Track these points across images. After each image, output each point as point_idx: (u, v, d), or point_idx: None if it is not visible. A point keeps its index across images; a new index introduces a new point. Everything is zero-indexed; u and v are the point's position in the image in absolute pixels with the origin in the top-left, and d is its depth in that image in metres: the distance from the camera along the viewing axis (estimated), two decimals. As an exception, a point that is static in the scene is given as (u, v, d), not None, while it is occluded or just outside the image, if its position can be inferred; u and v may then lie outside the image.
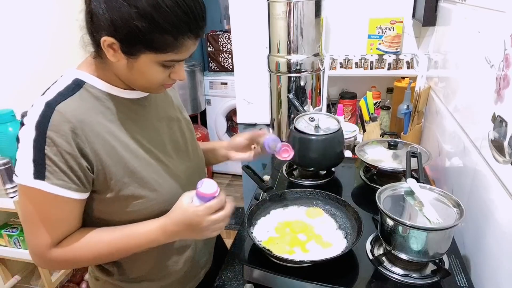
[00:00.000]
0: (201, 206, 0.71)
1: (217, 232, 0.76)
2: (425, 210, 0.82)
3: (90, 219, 0.75)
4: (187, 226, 0.72)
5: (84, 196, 0.70)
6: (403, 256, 0.79)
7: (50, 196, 0.65)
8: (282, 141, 0.97)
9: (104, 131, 0.70)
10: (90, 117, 0.69)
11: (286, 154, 0.97)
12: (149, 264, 0.84)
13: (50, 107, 0.65)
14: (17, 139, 0.66)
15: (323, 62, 1.60)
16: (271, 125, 1.73)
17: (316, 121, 1.19)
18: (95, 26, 0.65)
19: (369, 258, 0.86)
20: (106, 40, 0.64)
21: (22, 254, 1.52)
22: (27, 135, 0.64)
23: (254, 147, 1.02)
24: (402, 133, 1.58)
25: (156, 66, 0.68)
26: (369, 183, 1.18)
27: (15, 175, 0.66)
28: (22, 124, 0.66)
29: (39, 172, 0.64)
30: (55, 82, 0.71)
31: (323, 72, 1.63)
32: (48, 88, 0.70)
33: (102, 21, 0.63)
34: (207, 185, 0.72)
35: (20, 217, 0.68)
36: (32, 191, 0.65)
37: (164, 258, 0.85)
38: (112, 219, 0.75)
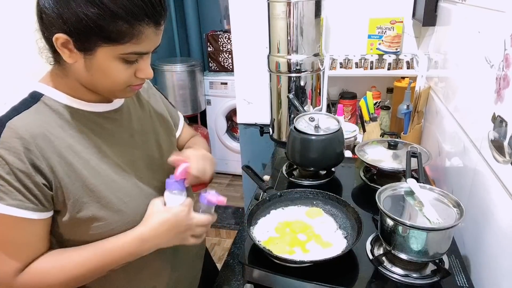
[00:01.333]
0: (183, 204, 0.70)
1: (198, 239, 0.74)
2: (425, 210, 0.82)
3: (56, 242, 0.70)
4: (168, 229, 0.68)
5: (45, 215, 0.65)
6: (403, 256, 0.79)
7: (6, 218, 0.60)
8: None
9: (62, 146, 0.65)
10: (47, 132, 0.64)
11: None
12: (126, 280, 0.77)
13: (1, 123, 0.60)
14: None
15: (323, 62, 1.60)
16: (271, 125, 1.73)
17: (316, 121, 1.19)
18: (46, 24, 0.60)
19: (369, 258, 0.86)
20: (58, 38, 0.59)
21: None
22: None
23: None
24: (402, 133, 1.58)
25: (117, 62, 0.62)
26: (369, 183, 1.18)
27: None
28: None
29: None
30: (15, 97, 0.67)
31: (323, 72, 1.63)
32: (5, 104, 0.65)
33: (51, 17, 0.59)
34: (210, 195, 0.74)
35: None
36: None
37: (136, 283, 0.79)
38: (78, 241, 0.69)
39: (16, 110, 0.63)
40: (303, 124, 1.20)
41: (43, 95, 0.66)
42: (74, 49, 0.60)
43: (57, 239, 0.70)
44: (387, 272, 0.81)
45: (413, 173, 0.99)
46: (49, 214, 0.66)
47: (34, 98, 0.66)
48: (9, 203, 0.60)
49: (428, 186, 0.88)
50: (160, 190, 0.77)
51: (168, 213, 0.69)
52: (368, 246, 0.89)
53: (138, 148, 0.77)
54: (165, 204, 0.72)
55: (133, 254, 0.69)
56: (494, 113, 0.82)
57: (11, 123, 0.61)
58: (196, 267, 0.95)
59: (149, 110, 0.84)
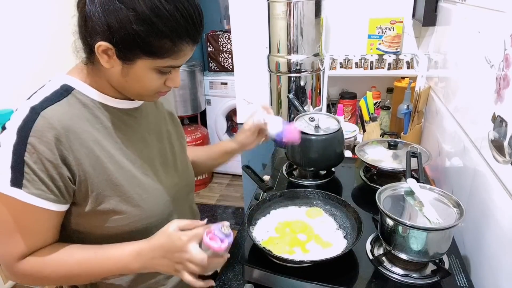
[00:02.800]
0: (188, 232, 0.67)
1: (194, 279, 0.69)
2: (425, 210, 0.82)
3: (66, 233, 0.72)
4: (164, 251, 0.67)
5: (63, 208, 0.67)
6: (403, 256, 0.79)
7: (25, 206, 0.62)
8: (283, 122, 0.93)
9: (89, 139, 0.67)
10: (77, 124, 0.66)
11: (292, 137, 0.93)
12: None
13: (34, 112, 0.62)
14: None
15: (323, 62, 1.60)
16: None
17: (316, 121, 1.19)
18: (90, 31, 0.63)
19: (369, 258, 0.86)
20: (101, 45, 0.62)
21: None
22: (8, 140, 0.61)
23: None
24: (402, 133, 1.58)
25: (152, 73, 0.66)
26: (369, 183, 1.18)
27: None
28: (3, 128, 0.63)
29: (16, 180, 0.61)
30: (42, 86, 0.69)
31: (323, 72, 1.63)
32: (35, 93, 0.67)
33: (97, 25, 0.61)
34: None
35: None
36: (7, 199, 0.62)
37: (146, 279, 0.80)
38: (90, 233, 0.71)
39: (50, 101, 0.65)
40: (303, 124, 1.20)
41: (74, 88, 0.68)
42: (114, 56, 0.63)
43: (74, 228, 0.71)
44: (387, 272, 0.81)
45: (413, 173, 0.99)
46: (66, 207, 0.68)
47: (66, 90, 0.68)
48: (31, 192, 0.62)
49: (428, 186, 0.88)
50: (173, 189, 0.80)
51: (168, 238, 0.68)
52: (368, 246, 0.89)
53: (154, 147, 0.80)
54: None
55: (126, 268, 0.69)
56: (494, 113, 0.82)
57: (45, 112, 0.63)
58: None
59: (162, 111, 0.87)
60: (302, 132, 1.16)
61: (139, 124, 0.77)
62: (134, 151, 0.74)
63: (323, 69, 1.62)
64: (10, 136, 0.61)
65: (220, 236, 0.68)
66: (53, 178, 0.63)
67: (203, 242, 0.68)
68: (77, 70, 0.71)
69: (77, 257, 0.69)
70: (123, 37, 0.61)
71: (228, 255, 0.72)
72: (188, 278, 0.68)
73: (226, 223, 0.70)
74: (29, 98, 0.66)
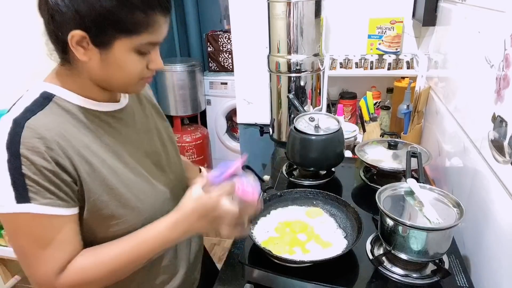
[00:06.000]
0: (216, 191, 0.67)
1: (236, 231, 0.70)
2: (425, 210, 0.82)
3: None
4: (199, 215, 0.67)
5: (76, 210, 0.65)
6: (403, 256, 0.79)
7: (40, 218, 0.60)
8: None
9: (79, 146, 0.64)
10: (64, 132, 0.63)
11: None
12: (144, 276, 0.78)
13: (18, 124, 0.59)
14: None
15: (323, 62, 1.60)
16: (271, 125, 1.73)
17: (316, 121, 1.19)
18: (59, 25, 0.60)
19: (369, 258, 0.86)
20: (74, 35, 0.58)
21: (22, 254, 1.52)
22: None
23: None
24: (402, 133, 1.58)
25: (132, 54, 0.63)
26: (369, 183, 1.18)
27: None
28: None
29: (22, 195, 0.58)
30: (21, 97, 0.65)
31: (323, 72, 1.63)
32: (14, 105, 0.64)
33: (66, 15, 0.58)
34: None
35: (14, 252, 0.66)
36: (19, 218, 0.59)
37: (150, 279, 0.79)
38: (93, 241, 0.68)
39: (31, 111, 0.62)
40: (303, 124, 1.20)
41: (54, 95, 0.65)
42: (90, 46, 0.60)
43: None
44: (387, 272, 0.81)
45: (413, 173, 0.99)
46: (78, 209, 0.66)
47: (46, 98, 0.64)
48: (42, 203, 0.60)
49: (428, 186, 0.88)
50: (169, 187, 0.79)
51: (197, 202, 0.68)
52: (368, 246, 0.89)
53: (145, 147, 0.78)
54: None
55: (167, 241, 0.69)
56: (494, 113, 0.82)
57: (30, 123, 0.60)
58: (195, 267, 0.94)
59: (148, 108, 0.84)
60: (302, 132, 1.16)
61: (127, 125, 0.75)
62: (125, 153, 0.72)
63: (323, 69, 1.62)
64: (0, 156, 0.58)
65: (249, 187, 0.68)
66: (57, 184, 0.61)
67: (236, 195, 0.68)
68: (55, 75, 0.67)
69: (114, 253, 0.67)
70: (94, 19, 0.58)
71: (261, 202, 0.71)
72: (227, 232, 0.69)
73: (251, 175, 0.70)
74: (9, 111, 0.63)
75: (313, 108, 1.66)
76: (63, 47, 0.62)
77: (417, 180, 0.92)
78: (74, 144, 0.64)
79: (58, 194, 0.61)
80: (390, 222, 0.80)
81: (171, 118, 2.98)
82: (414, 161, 1.03)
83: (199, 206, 0.67)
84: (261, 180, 1.10)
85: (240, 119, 2.09)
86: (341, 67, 1.75)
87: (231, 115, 3.20)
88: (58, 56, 0.65)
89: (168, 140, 0.85)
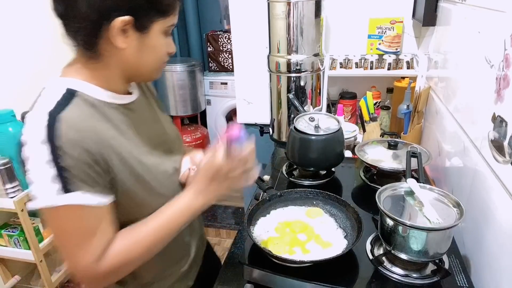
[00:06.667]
0: (212, 155, 0.72)
1: (239, 181, 0.74)
2: (425, 210, 0.82)
3: None
4: (211, 179, 0.72)
5: (112, 199, 0.68)
6: (403, 256, 0.79)
7: (82, 209, 0.63)
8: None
9: (107, 138, 0.66)
10: (93, 124, 0.65)
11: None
12: (160, 264, 0.83)
13: (53, 117, 0.61)
14: (22, 162, 0.61)
15: (323, 62, 1.60)
16: (271, 125, 1.73)
17: (316, 121, 1.19)
18: (98, 15, 0.61)
19: (369, 258, 0.86)
20: (117, 22, 0.61)
21: (22, 254, 1.52)
22: (38, 153, 0.59)
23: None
24: (402, 133, 1.58)
25: (161, 37, 0.68)
26: (369, 183, 1.18)
27: (34, 200, 0.61)
28: (21, 144, 0.60)
29: (65, 187, 0.60)
30: (42, 93, 0.67)
31: (323, 72, 1.63)
32: (36, 102, 0.66)
33: (107, 3, 0.60)
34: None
35: (56, 242, 0.68)
36: (63, 209, 0.61)
37: (173, 257, 0.86)
38: (127, 221, 0.72)
39: (62, 105, 0.63)
40: (303, 124, 1.20)
41: (79, 90, 0.67)
42: (131, 31, 0.64)
43: None
44: (387, 272, 0.81)
45: (413, 173, 0.99)
46: (113, 197, 0.69)
47: (72, 93, 0.66)
48: (83, 194, 0.62)
49: (428, 186, 0.88)
50: (179, 171, 0.84)
51: (205, 170, 0.73)
52: (368, 246, 0.89)
53: (156, 136, 0.81)
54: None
55: (192, 210, 0.73)
56: (494, 113, 0.82)
57: (64, 117, 0.61)
58: (198, 256, 0.97)
59: (151, 99, 0.87)
60: (302, 132, 1.17)
61: (139, 117, 0.78)
62: (143, 143, 0.76)
63: (323, 69, 1.62)
64: (38, 149, 0.59)
65: (233, 135, 0.71)
66: (94, 176, 0.63)
67: (228, 149, 0.71)
68: (77, 70, 0.69)
69: (149, 230, 0.71)
70: (139, 2, 0.62)
71: (252, 143, 0.75)
72: (240, 184, 0.74)
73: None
74: (34, 106, 0.65)
75: (313, 108, 1.66)
76: (93, 41, 0.64)
77: (417, 180, 0.92)
78: (102, 137, 0.65)
79: (96, 184, 0.64)
80: (390, 222, 0.80)
81: (171, 118, 2.98)
82: (414, 161, 1.03)
83: (207, 172, 0.72)
84: (261, 180, 1.11)
85: (240, 119, 2.09)
86: (341, 67, 1.75)
87: (231, 115, 3.20)
88: (83, 52, 0.67)
89: (170, 128, 0.89)
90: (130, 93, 0.77)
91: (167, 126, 0.88)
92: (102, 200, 0.65)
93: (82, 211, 0.63)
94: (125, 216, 0.72)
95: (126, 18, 0.62)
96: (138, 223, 0.71)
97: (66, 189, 0.60)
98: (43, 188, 0.60)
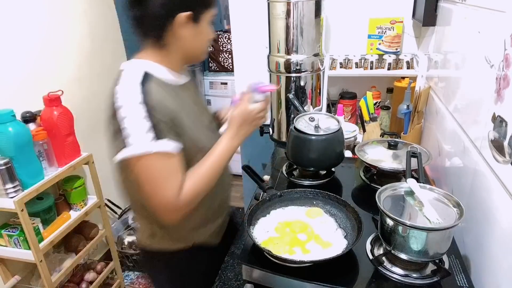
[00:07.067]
0: (240, 105, 0.94)
1: (263, 119, 0.99)
2: (425, 210, 0.82)
3: None
4: (242, 121, 0.94)
5: (181, 146, 0.86)
6: (403, 256, 0.79)
7: (168, 154, 0.82)
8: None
9: (175, 104, 0.86)
10: (167, 94, 0.85)
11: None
12: (204, 214, 1.01)
13: (144, 88, 0.81)
14: (122, 120, 0.78)
15: (323, 62, 1.60)
16: (271, 125, 1.73)
17: (316, 121, 1.19)
18: (167, 12, 0.81)
19: (369, 258, 0.86)
20: (184, 15, 0.82)
21: (22, 254, 1.52)
22: (135, 111, 0.79)
23: None
24: (402, 133, 1.59)
25: (208, 25, 0.89)
26: (369, 183, 1.18)
27: (130, 147, 0.78)
28: (118, 107, 0.79)
29: (157, 136, 0.79)
30: (124, 72, 0.85)
31: (323, 72, 1.63)
32: (120, 78, 0.84)
33: (175, 2, 0.81)
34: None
35: (144, 187, 0.84)
36: (154, 155, 0.80)
37: (213, 211, 1.05)
38: (188, 166, 0.90)
39: (146, 79, 0.83)
40: (303, 124, 1.20)
41: (152, 70, 0.86)
42: (189, 22, 0.84)
43: None
44: (387, 272, 0.81)
45: (413, 173, 0.99)
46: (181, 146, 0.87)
47: (148, 72, 0.85)
48: (169, 142, 0.81)
49: (428, 186, 0.88)
50: (218, 136, 1.01)
51: (237, 116, 0.94)
52: (368, 246, 0.89)
53: (200, 111, 0.99)
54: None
55: (234, 147, 0.94)
56: (494, 113, 0.82)
57: (150, 87, 0.81)
58: (225, 221, 1.14)
59: (193, 83, 1.04)
60: (302, 132, 1.17)
61: (190, 96, 0.97)
62: (194, 116, 0.95)
63: (323, 69, 1.62)
64: (136, 108, 0.79)
65: (257, 88, 0.96)
66: (174, 131, 0.83)
67: (255, 97, 0.96)
68: (149, 54, 0.88)
69: (210, 164, 0.90)
70: (196, 0, 0.83)
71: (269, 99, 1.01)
72: (261, 122, 0.98)
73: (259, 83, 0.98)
74: (121, 81, 0.83)
75: (313, 108, 1.66)
76: (161, 34, 0.84)
77: (417, 180, 0.92)
78: (173, 103, 0.86)
79: (174, 134, 0.83)
80: (390, 222, 0.80)
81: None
82: (414, 161, 1.03)
83: (239, 116, 0.94)
84: (261, 180, 1.11)
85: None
86: (341, 67, 1.75)
87: (231, 115, 3.20)
88: (152, 42, 0.86)
89: (206, 110, 1.07)
90: (183, 76, 0.96)
91: (204, 105, 1.08)
92: (177, 146, 0.83)
93: (166, 155, 0.82)
94: (187, 163, 0.89)
95: (187, 13, 0.82)
96: (197, 165, 0.90)
97: (158, 137, 0.79)
98: (140, 138, 0.78)
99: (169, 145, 0.81)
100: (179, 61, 0.91)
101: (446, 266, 0.82)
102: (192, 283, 1.06)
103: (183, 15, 0.81)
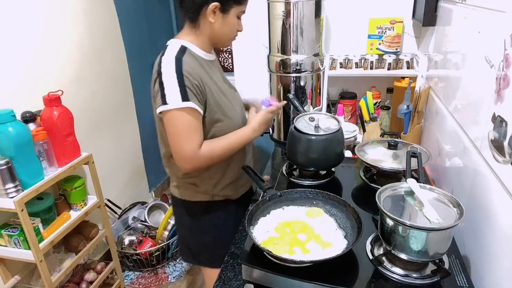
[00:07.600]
0: (262, 111, 1.16)
1: (270, 123, 1.19)
2: (425, 210, 0.82)
3: None
4: (261, 123, 1.14)
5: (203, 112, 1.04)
6: (403, 256, 0.79)
7: (193, 111, 0.99)
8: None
9: (204, 79, 1.03)
10: (199, 68, 1.04)
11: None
12: (238, 166, 1.20)
13: (179, 59, 1.00)
14: (161, 83, 0.98)
15: (323, 62, 1.60)
16: (271, 125, 1.73)
17: (316, 121, 1.19)
18: (205, 1, 1.00)
19: (369, 258, 0.86)
20: (211, 6, 0.99)
21: (22, 254, 1.52)
22: (171, 77, 0.97)
23: None
24: (402, 133, 1.58)
25: (236, 19, 1.06)
26: (369, 183, 1.18)
27: (164, 104, 0.97)
28: (159, 73, 0.99)
29: (185, 97, 0.97)
30: (168, 48, 1.04)
31: (323, 72, 1.63)
32: (165, 52, 1.03)
33: None
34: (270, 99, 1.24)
35: (169, 136, 1.03)
36: (182, 110, 0.98)
37: (238, 170, 1.21)
38: (207, 136, 1.08)
39: (181, 53, 1.02)
40: (303, 124, 1.20)
41: (187, 47, 1.05)
42: (218, 12, 1.02)
43: None
44: (387, 272, 0.81)
45: (413, 173, 0.99)
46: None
47: (184, 48, 1.04)
48: (195, 102, 0.99)
49: (428, 186, 0.88)
50: (241, 113, 1.20)
51: (258, 117, 1.14)
52: (368, 246, 0.89)
53: (223, 87, 1.14)
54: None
55: (250, 138, 1.13)
56: (494, 113, 0.82)
57: (184, 60, 1.00)
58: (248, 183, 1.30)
59: (219, 65, 1.20)
60: (302, 132, 1.17)
61: (217, 72, 1.14)
62: (220, 88, 1.11)
63: (323, 69, 1.62)
64: (171, 74, 0.98)
65: (268, 103, 1.23)
66: (199, 95, 1.01)
67: (269, 106, 1.20)
68: (186, 35, 1.07)
69: (227, 139, 1.08)
70: None
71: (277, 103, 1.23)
72: (269, 124, 1.19)
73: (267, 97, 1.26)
74: (166, 54, 1.02)
75: (313, 108, 1.66)
76: (195, 17, 1.03)
77: (417, 180, 0.92)
78: (202, 77, 1.03)
79: (201, 100, 1.02)
80: (390, 222, 0.80)
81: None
82: (414, 161, 1.03)
83: (259, 119, 1.14)
84: (261, 180, 1.11)
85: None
86: (341, 67, 1.75)
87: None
88: (189, 24, 1.06)
89: (231, 88, 1.22)
90: (212, 54, 1.14)
91: (227, 86, 1.20)
92: (201, 109, 1.02)
93: (193, 113, 0.99)
94: (206, 129, 1.07)
95: (215, 4, 1.00)
96: (219, 137, 1.08)
97: (185, 98, 0.97)
98: (174, 97, 0.97)
99: (194, 106, 0.98)
100: (207, 41, 1.08)
101: (446, 266, 0.82)
102: (207, 232, 1.25)
103: (213, 5, 0.99)
